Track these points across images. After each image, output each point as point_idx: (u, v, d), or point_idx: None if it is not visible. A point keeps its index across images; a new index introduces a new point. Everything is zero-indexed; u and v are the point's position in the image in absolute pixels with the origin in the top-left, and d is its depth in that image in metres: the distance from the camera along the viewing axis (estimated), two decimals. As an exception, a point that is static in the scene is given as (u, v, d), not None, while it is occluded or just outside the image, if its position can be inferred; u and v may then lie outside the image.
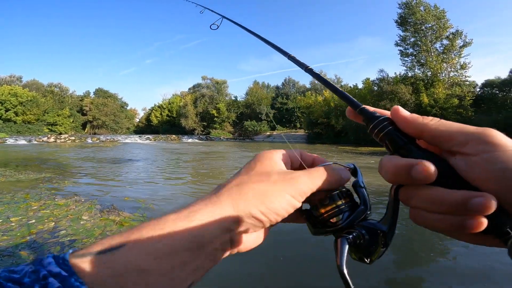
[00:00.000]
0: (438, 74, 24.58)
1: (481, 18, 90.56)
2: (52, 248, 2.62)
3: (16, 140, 27.27)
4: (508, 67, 47.62)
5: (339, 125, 28.87)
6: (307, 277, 2.24)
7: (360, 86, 32.66)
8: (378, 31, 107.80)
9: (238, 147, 21.91)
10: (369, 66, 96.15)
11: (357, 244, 0.28)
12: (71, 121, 48.35)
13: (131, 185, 5.79)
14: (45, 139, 28.89)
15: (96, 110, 52.94)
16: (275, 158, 0.32)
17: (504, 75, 23.74)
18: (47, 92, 48.45)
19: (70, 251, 0.23)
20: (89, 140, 29.97)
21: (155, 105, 61.35)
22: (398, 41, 26.96)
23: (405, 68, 26.83)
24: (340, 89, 0.33)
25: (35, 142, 26.33)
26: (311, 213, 0.32)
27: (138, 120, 67.97)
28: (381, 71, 27.86)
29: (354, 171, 0.33)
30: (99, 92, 58.25)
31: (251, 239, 0.30)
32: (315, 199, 0.31)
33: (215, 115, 48.28)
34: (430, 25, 24.83)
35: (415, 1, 25.14)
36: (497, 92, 23.37)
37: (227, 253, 0.29)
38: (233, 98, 53.32)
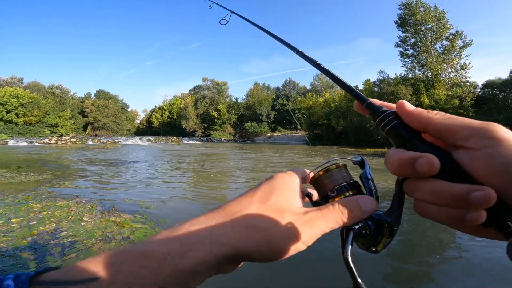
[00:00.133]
0: (439, 75, 24.56)
1: (481, 18, 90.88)
2: (52, 249, 2.63)
3: (18, 141, 27.37)
4: (508, 67, 47.76)
5: (340, 127, 28.88)
6: (307, 277, 2.25)
7: (361, 87, 32.61)
8: (378, 32, 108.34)
9: (239, 149, 21.91)
10: (369, 67, 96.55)
11: (363, 235, 0.28)
12: (72, 122, 48.58)
13: (131, 187, 5.80)
14: (46, 140, 29.01)
15: (97, 111, 53.13)
16: (293, 186, 0.31)
17: (504, 75, 23.79)
18: (48, 94, 48.67)
19: (32, 273, 0.21)
20: (90, 142, 30.08)
21: (156, 106, 61.62)
22: (398, 42, 26.97)
23: (406, 69, 26.85)
24: (348, 83, 0.33)
25: (36, 144, 26.39)
26: (318, 205, 0.32)
27: (139, 121, 68.09)
28: (382, 72, 27.87)
29: (361, 163, 0.33)
30: (100, 94, 58.51)
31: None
32: (323, 191, 0.32)
33: (216, 116, 48.39)
34: (430, 26, 24.83)
35: (415, 2, 25.16)
36: (497, 92, 23.35)
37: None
38: (233, 100, 53.49)
